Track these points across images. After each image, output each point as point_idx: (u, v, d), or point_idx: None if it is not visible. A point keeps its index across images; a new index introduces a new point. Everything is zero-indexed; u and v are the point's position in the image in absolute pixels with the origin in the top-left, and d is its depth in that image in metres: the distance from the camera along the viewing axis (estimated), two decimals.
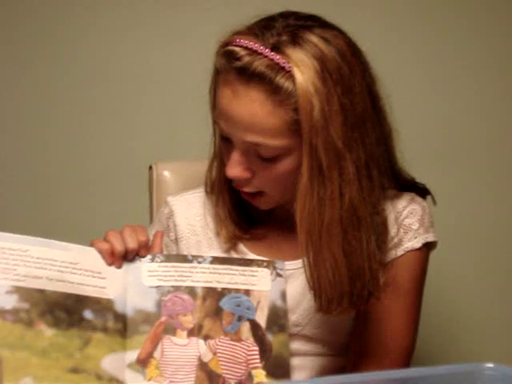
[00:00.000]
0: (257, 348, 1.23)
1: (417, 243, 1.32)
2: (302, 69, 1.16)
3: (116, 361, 1.18)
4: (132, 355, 1.19)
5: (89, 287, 1.20)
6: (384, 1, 1.86)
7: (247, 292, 1.26)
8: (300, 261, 1.30)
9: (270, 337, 1.24)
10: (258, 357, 1.23)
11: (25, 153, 1.87)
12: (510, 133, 1.92)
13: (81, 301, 1.19)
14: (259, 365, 1.22)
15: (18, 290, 1.15)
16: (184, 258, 1.27)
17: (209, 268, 1.26)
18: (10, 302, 1.14)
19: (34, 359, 1.12)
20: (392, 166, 1.31)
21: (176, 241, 1.39)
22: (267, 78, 1.16)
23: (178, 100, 1.80)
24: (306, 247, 1.23)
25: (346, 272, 1.22)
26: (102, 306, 1.20)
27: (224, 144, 1.26)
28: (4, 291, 1.14)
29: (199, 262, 1.26)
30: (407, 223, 1.31)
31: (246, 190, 1.26)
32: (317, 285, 1.24)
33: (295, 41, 1.18)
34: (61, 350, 1.14)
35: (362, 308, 1.26)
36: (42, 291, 1.16)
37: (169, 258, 1.27)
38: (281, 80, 1.16)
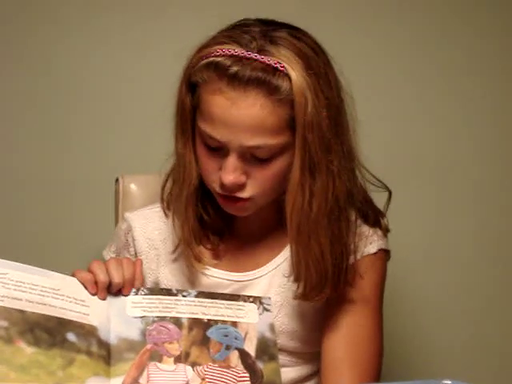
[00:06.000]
0: (247, 374, 1.18)
1: (372, 248, 1.33)
2: (292, 66, 1.19)
3: None
4: (117, 382, 1.13)
5: (71, 312, 1.16)
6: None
7: (234, 324, 1.23)
8: (256, 271, 1.34)
9: (260, 365, 1.19)
10: (249, 383, 1.17)
11: None
12: (478, 143, 1.91)
13: (63, 324, 1.14)
14: None
15: None
16: (168, 292, 1.25)
17: (194, 301, 1.24)
18: None
19: (13, 374, 1.06)
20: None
21: (136, 255, 1.36)
22: (265, 80, 1.18)
23: (146, 113, 1.78)
24: (295, 238, 1.25)
25: (330, 259, 1.25)
26: (86, 331, 1.15)
27: (210, 153, 1.24)
28: None
29: (184, 296, 1.24)
30: (360, 231, 1.32)
31: (238, 195, 1.25)
32: (303, 273, 1.26)
33: (275, 42, 1.21)
34: (42, 367, 1.09)
35: (337, 293, 1.28)
36: (22, 311, 1.12)
37: (153, 291, 1.25)
38: (278, 80, 1.19)
